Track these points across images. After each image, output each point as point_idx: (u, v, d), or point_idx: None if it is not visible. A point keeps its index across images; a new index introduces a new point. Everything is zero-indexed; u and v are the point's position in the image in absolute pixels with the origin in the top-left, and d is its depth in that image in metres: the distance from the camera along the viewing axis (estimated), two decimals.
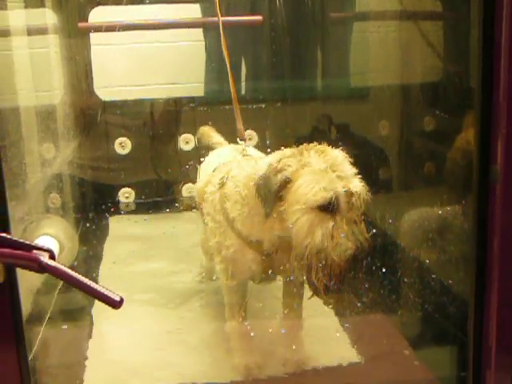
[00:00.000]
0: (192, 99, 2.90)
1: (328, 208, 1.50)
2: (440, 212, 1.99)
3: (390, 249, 2.25)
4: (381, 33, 2.70)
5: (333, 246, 1.50)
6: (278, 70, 2.97)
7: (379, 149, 2.68)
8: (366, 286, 1.96)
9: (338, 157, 1.57)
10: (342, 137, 2.80)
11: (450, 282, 1.86)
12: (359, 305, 2.03)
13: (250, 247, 1.71)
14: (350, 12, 3.09)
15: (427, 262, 2.06)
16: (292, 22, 2.94)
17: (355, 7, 3.08)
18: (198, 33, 3.08)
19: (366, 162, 2.70)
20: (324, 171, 1.52)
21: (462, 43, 1.88)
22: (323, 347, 1.94)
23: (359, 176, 1.57)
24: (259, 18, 2.86)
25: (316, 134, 2.82)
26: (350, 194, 1.51)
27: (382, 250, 2.24)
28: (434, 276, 1.98)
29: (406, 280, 2.12)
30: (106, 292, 1.14)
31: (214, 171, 1.93)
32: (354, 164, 1.60)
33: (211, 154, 2.20)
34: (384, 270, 2.06)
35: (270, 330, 1.91)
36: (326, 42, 3.09)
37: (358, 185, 1.54)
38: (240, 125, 2.05)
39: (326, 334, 2.01)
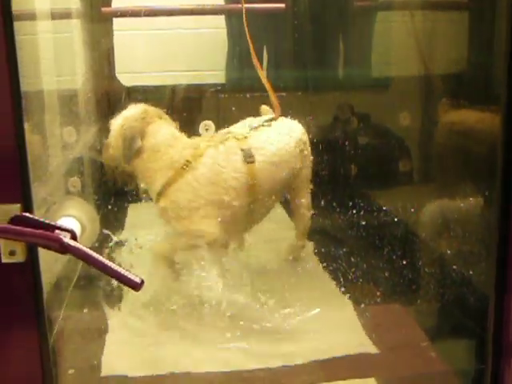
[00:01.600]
0: (213, 86, 2.90)
1: None
2: (461, 204, 1.97)
3: (411, 239, 2.24)
4: (404, 23, 2.68)
5: None
6: (299, 58, 2.96)
7: (400, 139, 2.67)
8: (386, 275, 1.97)
9: None
10: (363, 127, 2.79)
11: (471, 273, 1.85)
12: (377, 294, 2.03)
13: None
14: (373, 1, 3.07)
15: (448, 253, 2.05)
16: (315, 10, 2.92)
17: None
18: (221, 20, 3.08)
19: (387, 153, 2.69)
20: None
21: (487, 33, 1.86)
22: (340, 337, 1.93)
23: None
24: (281, 5, 2.85)
25: (337, 124, 2.82)
26: None
27: (403, 240, 2.23)
28: (454, 267, 1.97)
29: (425, 271, 2.11)
30: (127, 274, 1.15)
31: None
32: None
33: None
34: (404, 261, 2.06)
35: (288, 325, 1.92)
36: (348, 31, 3.07)
37: None
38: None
39: (342, 324, 2.00)
